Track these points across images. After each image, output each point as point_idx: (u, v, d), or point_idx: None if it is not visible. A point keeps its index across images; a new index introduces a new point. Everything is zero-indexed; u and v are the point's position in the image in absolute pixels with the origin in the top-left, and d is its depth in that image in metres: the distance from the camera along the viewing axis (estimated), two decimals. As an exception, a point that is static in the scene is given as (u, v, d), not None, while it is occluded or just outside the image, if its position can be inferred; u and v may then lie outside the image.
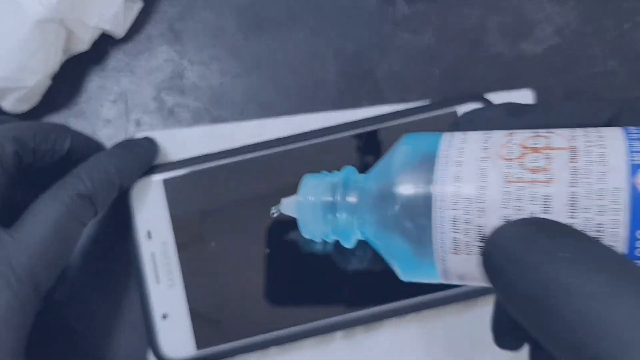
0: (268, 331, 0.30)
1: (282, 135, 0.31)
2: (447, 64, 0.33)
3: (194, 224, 0.31)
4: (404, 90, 0.33)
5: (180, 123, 0.33)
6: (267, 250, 0.31)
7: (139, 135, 0.32)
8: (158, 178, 0.31)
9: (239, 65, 0.34)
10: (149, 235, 0.30)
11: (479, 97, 0.31)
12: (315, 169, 0.30)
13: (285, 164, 0.31)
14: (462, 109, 0.31)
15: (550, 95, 0.33)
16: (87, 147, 0.29)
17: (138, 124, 0.33)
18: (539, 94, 0.33)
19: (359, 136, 0.31)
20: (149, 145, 0.31)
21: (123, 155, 0.29)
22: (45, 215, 0.26)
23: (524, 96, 0.33)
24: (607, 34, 0.34)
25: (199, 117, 0.33)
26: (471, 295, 0.29)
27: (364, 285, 0.30)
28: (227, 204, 0.31)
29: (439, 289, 0.29)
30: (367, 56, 0.34)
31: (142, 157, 0.30)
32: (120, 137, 0.33)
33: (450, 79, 0.33)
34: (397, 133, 0.30)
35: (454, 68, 0.33)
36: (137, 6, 0.33)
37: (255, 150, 0.31)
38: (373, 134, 0.31)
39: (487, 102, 0.31)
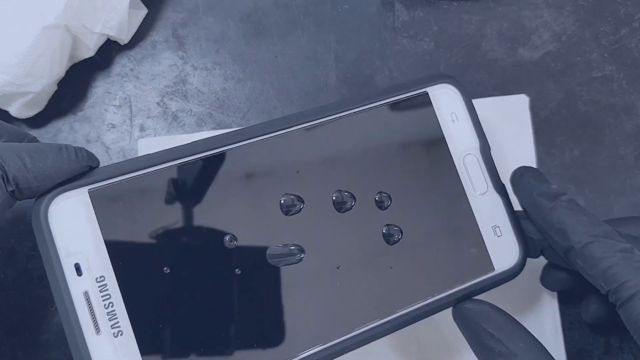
0: None
1: (230, 130, 0.26)
2: (445, 69, 0.34)
3: (138, 248, 0.23)
4: (404, 95, 0.34)
5: (183, 127, 0.33)
6: (239, 271, 0.24)
7: (143, 140, 0.33)
8: (84, 193, 0.23)
9: (242, 71, 0.34)
10: (78, 269, 0.22)
11: (447, 78, 0.28)
12: (274, 164, 0.25)
13: (240, 163, 0.25)
14: (432, 89, 0.27)
15: (548, 100, 0.33)
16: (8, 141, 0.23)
17: (142, 128, 0.34)
18: (537, 99, 0.33)
19: (329, 123, 0.26)
20: (79, 153, 0.23)
21: (21, 146, 0.22)
22: None
23: (520, 101, 0.33)
24: (604, 39, 0.34)
25: (202, 122, 0.34)
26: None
27: (356, 305, 0.25)
28: (179, 218, 0.24)
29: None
30: (367, 61, 0.34)
31: (56, 158, 0.22)
32: (124, 142, 0.33)
33: (449, 84, 0.34)
34: (371, 117, 0.27)
35: (452, 73, 0.34)
36: (142, 13, 0.34)
37: (206, 149, 0.24)
38: (346, 119, 0.26)
39: (455, 82, 0.28)
